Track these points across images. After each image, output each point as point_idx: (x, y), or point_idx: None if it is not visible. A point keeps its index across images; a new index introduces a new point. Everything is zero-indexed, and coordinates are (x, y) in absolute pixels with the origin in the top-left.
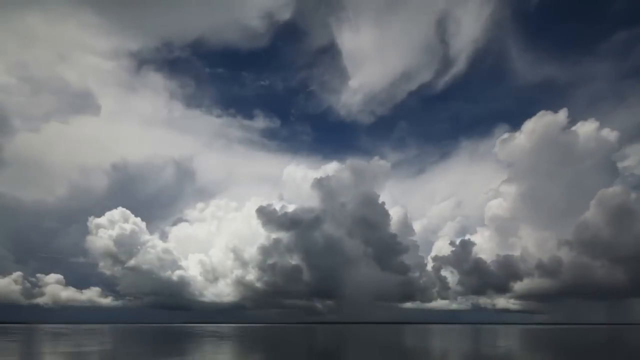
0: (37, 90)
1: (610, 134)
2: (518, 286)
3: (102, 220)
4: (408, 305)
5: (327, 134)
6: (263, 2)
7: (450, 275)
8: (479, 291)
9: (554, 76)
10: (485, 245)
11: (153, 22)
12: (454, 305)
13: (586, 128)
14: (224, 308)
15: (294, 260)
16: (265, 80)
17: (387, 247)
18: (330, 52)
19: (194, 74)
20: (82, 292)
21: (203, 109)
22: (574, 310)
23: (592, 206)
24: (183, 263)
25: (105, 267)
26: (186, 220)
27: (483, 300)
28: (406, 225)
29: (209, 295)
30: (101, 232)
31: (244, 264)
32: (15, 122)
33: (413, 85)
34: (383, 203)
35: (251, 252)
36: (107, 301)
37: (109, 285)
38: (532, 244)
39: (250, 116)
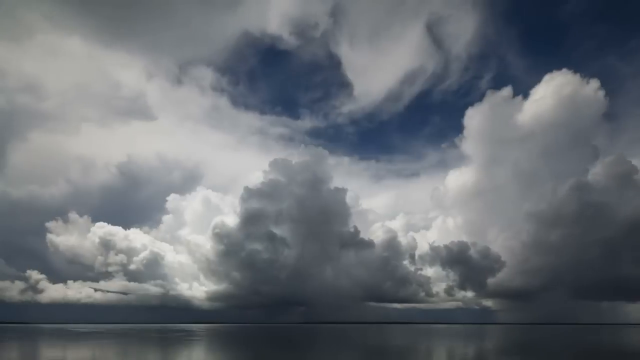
0: (82, 94)
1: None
2: (498, 284)
3: (60, 222)
4: (387, 305)
5: (365, 135)
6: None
7: (431, 274)
8: (459, 287)
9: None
10: (456, 238)
11: (204, 25)
12: (436, 304)
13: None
14: (200, 307)
15: (254, 258)
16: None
17: (346, 243)
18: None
19: (242, 73)
20: (56, 289)
21: (247, 107)
22: (556, 309)
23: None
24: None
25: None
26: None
27: (466, 300)
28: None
29: (180, 293)
30: (54, 234)
31: (203, 260)
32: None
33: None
34: (338, 194)
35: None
36: (84, 299)
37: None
38: (502, 237)
39: (296, 115)
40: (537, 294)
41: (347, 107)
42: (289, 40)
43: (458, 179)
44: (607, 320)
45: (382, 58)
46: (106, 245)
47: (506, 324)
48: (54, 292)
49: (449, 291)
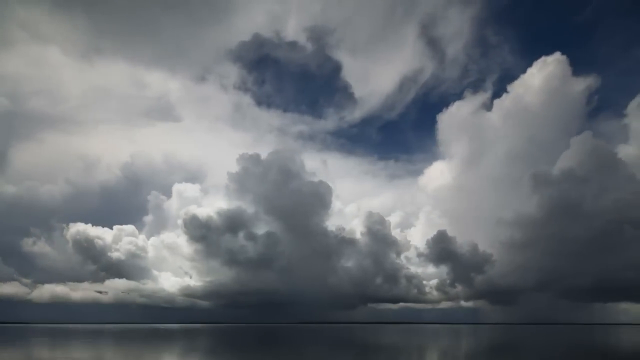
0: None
1: None
2: (489, 283)
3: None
4: (381, 305)
5: (386, 136)
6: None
7: (422, 270)
8: (450, 284)
9: None
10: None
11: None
12: (430, 305)
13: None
14: (180, 306)
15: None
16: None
17: (327, 240)
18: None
19: (270, 72)
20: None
21: (269, 105)
22: (547, 310)
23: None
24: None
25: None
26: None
27: (459, 300)
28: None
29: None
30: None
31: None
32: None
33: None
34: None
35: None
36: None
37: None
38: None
39: (318, 114)
40: (528, 294)
41: (367, 108)
42: (307, 45)
43: (433, 178)
44: (597, 320)
45: (384, 63)
46: (89, 246)
47: (499, 324)
48: (43, 292)
49: (440, 287)
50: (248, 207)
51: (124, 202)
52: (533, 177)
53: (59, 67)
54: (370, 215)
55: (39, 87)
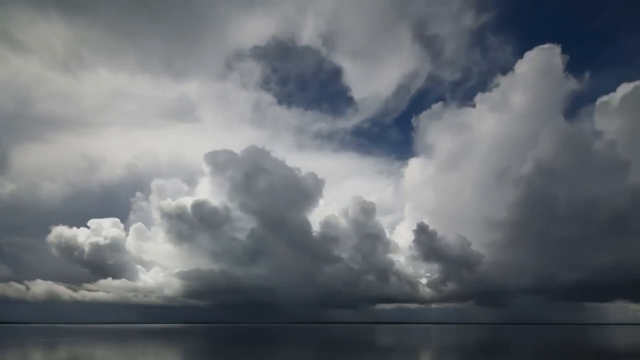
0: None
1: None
2: (482, 283)
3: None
4: (377, 306)
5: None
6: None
7: (413, 269)
8: (442, 282)
9: None
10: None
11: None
12: (425, 305)
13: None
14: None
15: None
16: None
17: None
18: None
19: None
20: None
21: (289, 103)
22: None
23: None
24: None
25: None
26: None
27: (452, 299)
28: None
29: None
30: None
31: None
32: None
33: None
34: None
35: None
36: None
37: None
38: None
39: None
40: (520, 294)
41: (389, 108)
42: (322, 49)
43: (414, 178)
44: (594, 320)
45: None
46: (71, 247)
47: (495, 324)
48: (37, 292)
49: (432, 285)
50: (230, 203)
51: (124, 202)
52: (500, 176)
53: (68, 68)
54: (364, 213)
55: (49, 91)
